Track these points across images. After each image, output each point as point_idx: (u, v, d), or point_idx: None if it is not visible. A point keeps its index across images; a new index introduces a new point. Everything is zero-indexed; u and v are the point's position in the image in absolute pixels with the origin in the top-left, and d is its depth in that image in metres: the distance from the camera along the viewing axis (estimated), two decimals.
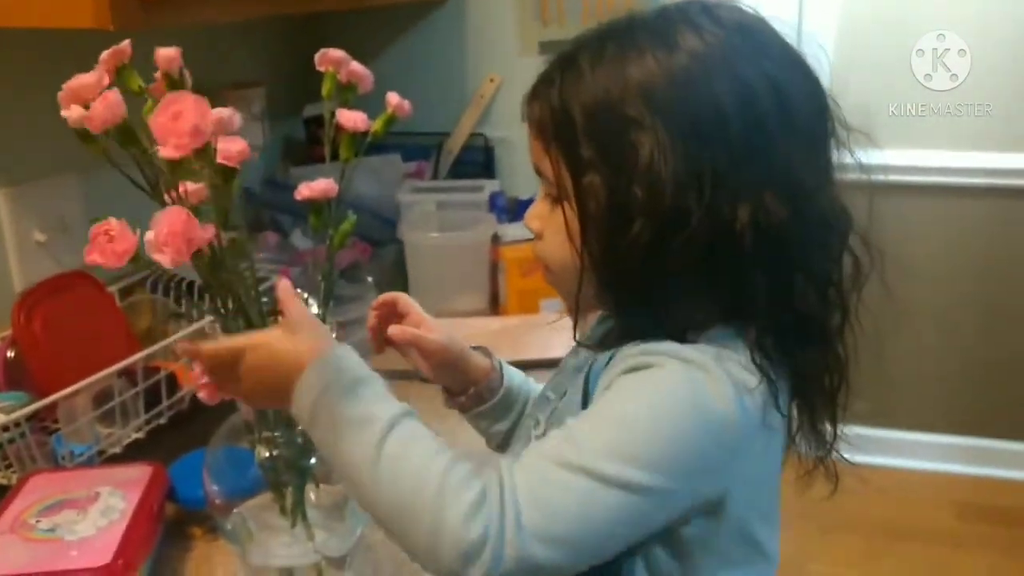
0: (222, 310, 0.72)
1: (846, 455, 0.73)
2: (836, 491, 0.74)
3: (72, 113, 0.66)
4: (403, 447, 0.60)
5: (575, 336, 0.73)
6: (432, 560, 0.58)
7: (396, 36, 1.82)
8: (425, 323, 0.82)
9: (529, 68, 0.70)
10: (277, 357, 0.66)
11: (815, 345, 0.67)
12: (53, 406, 0.97)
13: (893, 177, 2.38)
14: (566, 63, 0.66)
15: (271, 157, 1.79)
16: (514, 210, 1.62)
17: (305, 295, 0.78)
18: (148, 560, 0.85)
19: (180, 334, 1.10)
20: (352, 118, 0.74)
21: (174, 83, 0.70)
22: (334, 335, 0.69)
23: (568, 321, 0.73)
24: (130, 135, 0.66)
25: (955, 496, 2.53)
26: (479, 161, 1.79)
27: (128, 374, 1.03)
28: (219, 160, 0.66)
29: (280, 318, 0.69)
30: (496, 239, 1.52)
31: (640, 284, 0.64)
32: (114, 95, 0.65)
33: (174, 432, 1.06)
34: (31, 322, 1.03)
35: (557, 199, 0.68)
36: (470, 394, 0.84)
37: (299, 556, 0.79)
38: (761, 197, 0.61)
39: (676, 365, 0.61)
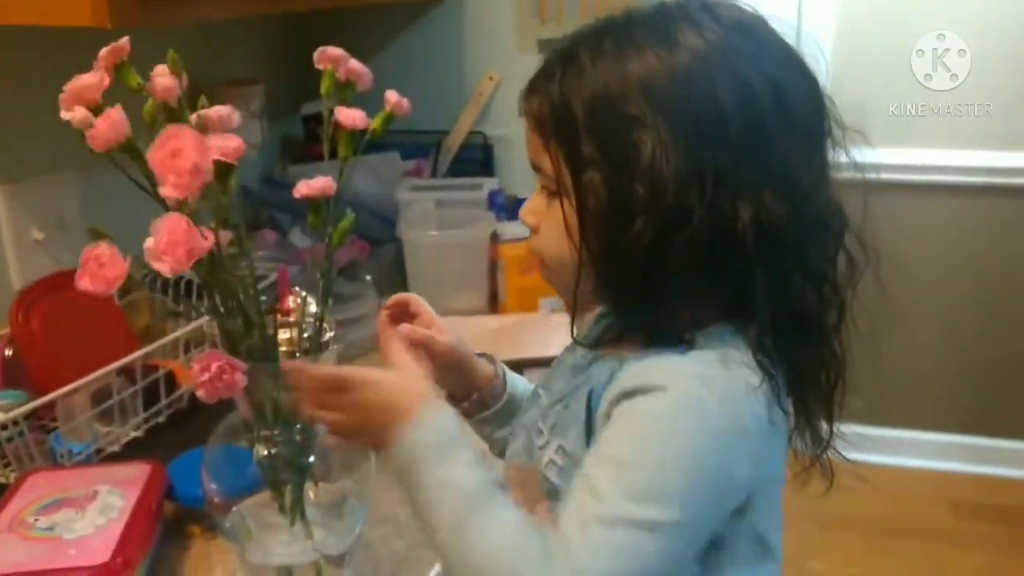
0: (220, 309, 0.72)
1: (843, 452, 0.73)
2: (833, 488, 0.74)
3: (74, 115, 0.65)
4: (489, 520, 0.60)
5: (572, 333, 0.73)
6: None
7: (395, 34, 1.82)
8: (436, 325, 0.82)
9: (528, 66, 0.69)
10: (390, 400, 0.66)
11: (811, 343, 0.67)
12: (51, 404, 0.97)
13: (893, 176, 2.38)
14: (566, 58, 0.66)
15: (269, 155, 1.79)
16: (513, 208, 1.61)
17: (304, 293, 0.78)
18: (147, 558, 0.85)
19: (178, 333, 1.10)
20: (351, 116, 0.74)
21: (173, 114, 0.68)
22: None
23: (566, 317, 0.73)
24: (134, 153, 0.66)
25: (953, 494, 2.53)
26: (478, 159, 1.78)
27: (127, 372, 1.03)
28: (216, 156, 0.65)
29: (381, 356, 0.73)
30: (495, 237, 1.51)
31: (641, 282, 0.63)
32: (117, 113, 0.64)
33: (173, 430, 1.06)
34: (29, 320, 1.03)
35: (554, 194, 0.67)
36: (473, 400, 0.84)
37: (298, 554, 0.78)
38: (761, 195, 0.61)
39: (678, 387, 0.60)
